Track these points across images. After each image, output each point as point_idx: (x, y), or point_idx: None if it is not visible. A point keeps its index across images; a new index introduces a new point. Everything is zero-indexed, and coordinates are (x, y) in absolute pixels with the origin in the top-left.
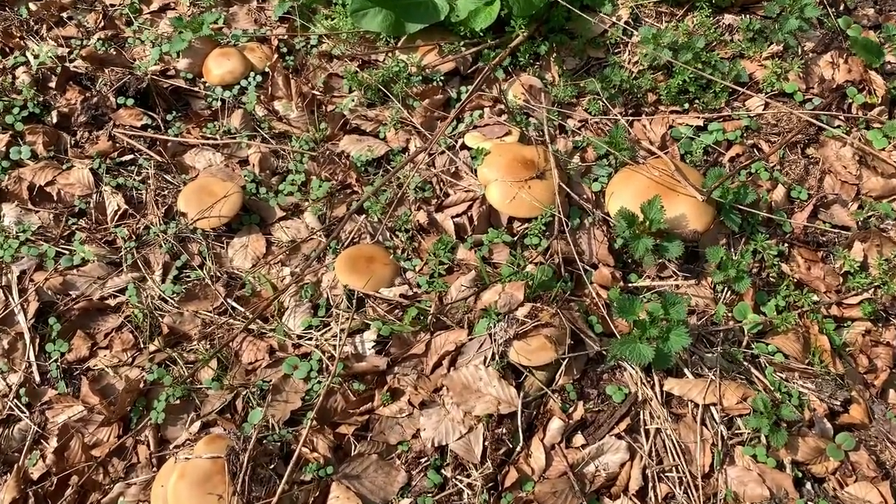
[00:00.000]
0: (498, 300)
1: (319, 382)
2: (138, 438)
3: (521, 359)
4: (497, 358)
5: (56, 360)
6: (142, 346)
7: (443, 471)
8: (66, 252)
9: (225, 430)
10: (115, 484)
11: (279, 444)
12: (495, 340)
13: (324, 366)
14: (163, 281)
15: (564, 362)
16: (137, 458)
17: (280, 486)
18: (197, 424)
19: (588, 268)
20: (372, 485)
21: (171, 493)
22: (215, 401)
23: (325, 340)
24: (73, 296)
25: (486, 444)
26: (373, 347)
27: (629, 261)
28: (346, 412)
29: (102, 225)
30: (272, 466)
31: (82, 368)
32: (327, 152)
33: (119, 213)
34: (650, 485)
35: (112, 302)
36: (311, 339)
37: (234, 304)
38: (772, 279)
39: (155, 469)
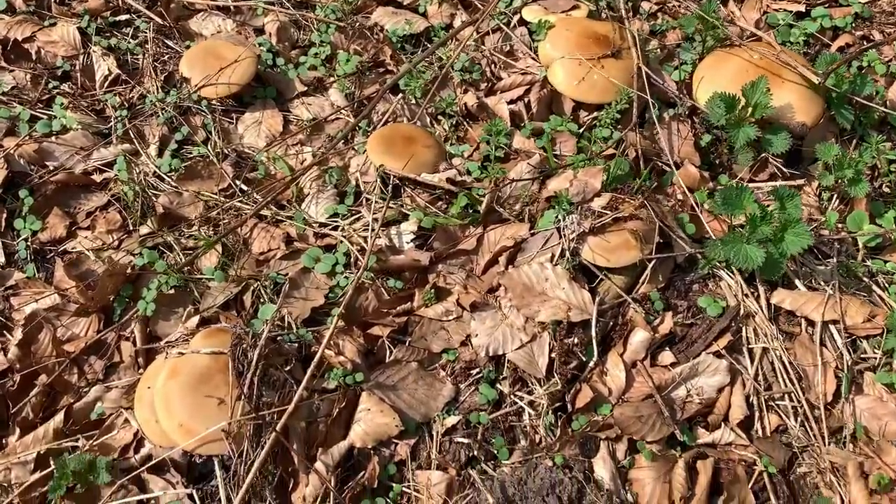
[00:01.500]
0: (569, 188)
1: (347, 278)
2: (122, 334)
3: (597, 258)
4: (568, 256)
5: (26, 240)
6: (130, 227)
7: (498, 385)
8: (44, 116)
9: (230, 323)
10: (92, 386)
11: (296, 344)
12: (565, 235)
13: (352, 260)
14: (159, 156)
15: (651, 265)
16: (120, 356)
17: (297, 391)
18: (195, 320)
19: (667, 169)
20: (411, 398)
21: (160, 395)
22: (218, 294)
23: (354, 231)
24: (51, 167)
25: (553, 355)
26: (412, 241)
27: (716, 161)
28: (380, 312)
29: (89, 91)
30: (288, 369)
31: (57, 250)
32: (357, 24)
33: (110, 78)
34: (756, 414)
35: (97, 177)
36: (336, 228)
37: (244, 187)
38: (886, 189)
39: (141, 370)
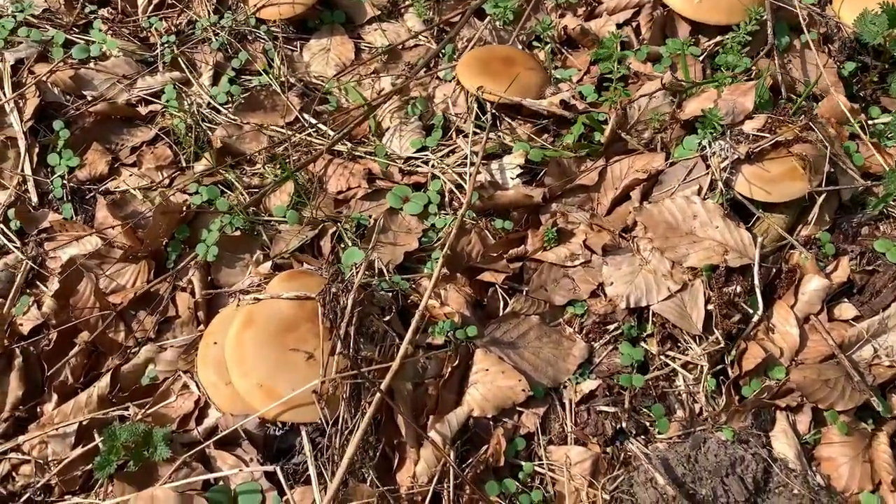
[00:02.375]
0: (713, 109)
1: (442, 218)
2: (177, 284)
3: (754, 191)
4: (720, 187)
5: (62, 177)
6: (183, 164)
7: (642, 343)
8: (81, 41)
9: (313, 267)
10: (143, 346)
11: (391, 294)
12: (714, 164)
13: (446, 199)
14: (213, 85)
15: (819, 200)
16: (175, 310)
17: (403, 345)
18: (267, 265)
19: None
20: (535, 357)
21: (232, 350)
22: (291, 237)
23: (448, 166)
24: (89, 97)
25: (710, 307)
26: (517, 176)
27: (860, 94)
28: (489, 257)
29: (131, 17)
30: (386, 320)
31: (98, 190)
32: None
33: (154, 2)
34: None
35: (143, 109)
36: (425, 163)
37: (313, 120)
38: None
39: (202, 326)
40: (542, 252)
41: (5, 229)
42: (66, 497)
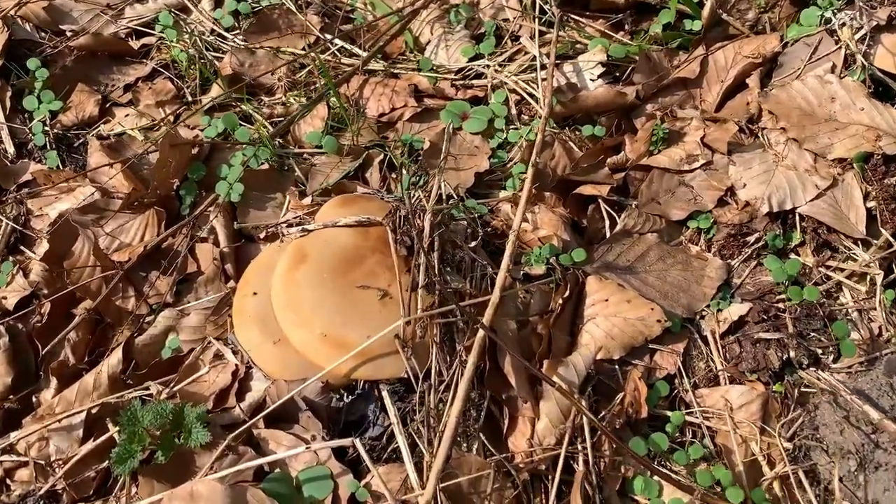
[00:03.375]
0: None
1: (514, 133)
2: (196, 234)
3: None
4: (861, 62)
5: (43, 122)
6: (189, 98)
7: (791, 255)
8: None
9: (368, 191)
10: (159, 313)
11: (464, 222)
12: (846, 36)
13: (514, 112)
14: (215, 8)
15: None
16: (197, 264)
17: (501, 273)
18: (307, 200)
19: None
20: (662, 282)
21: (283, 292)
22: (329, 169)
23: (511, 74)
24: (68, 32)
25: (871, 204)
26: (598, 77)
27: None
28: (583, 168)
29: None
30: (471, 247)
31: (87, 134)
32: None
33: None
34: None
35: (134, 43)
36: (479, 76)
37: (338, 41)
38: None
39: (232, 282)
40: (649, 157)
41: None
42: None
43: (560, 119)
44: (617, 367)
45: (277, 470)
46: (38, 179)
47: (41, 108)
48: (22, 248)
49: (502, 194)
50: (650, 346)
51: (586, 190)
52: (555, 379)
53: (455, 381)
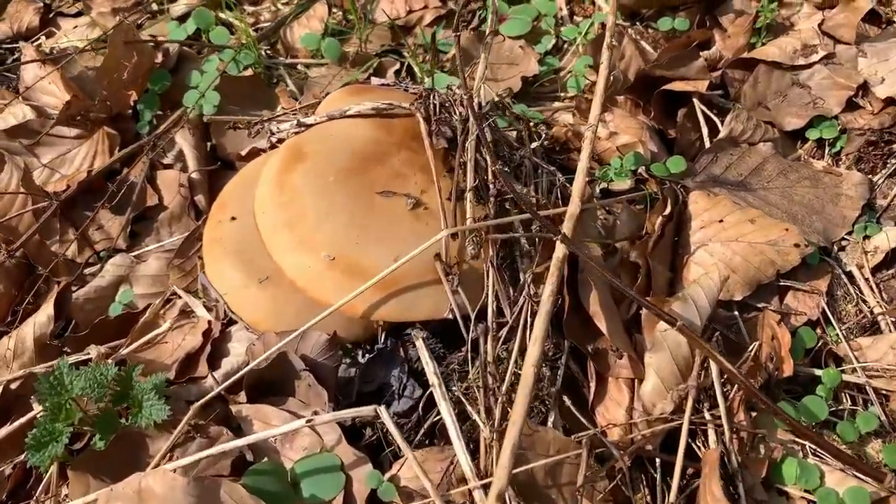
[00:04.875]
0: None
1: (567, 30)
2: (159, 160)
3: None
4: None
5: None
6: (154, 6)
7: None
8: None
9: (387, 82)
10: (107, 260)
11: (514, 132)
12: None
13: (563, 12)
14: None
15: None
16: (158, 197)
17: (579, 179)
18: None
19: None
20: (788, 202)
21: (273, 200)
22: (329, 81)
23: None
24: None
25: None
26: None
27: None
28: (667, 62)
29: None
30: (532, 147)
31: (25, 50)
32: None
33: None
34: None
35: None
36: None
37: None
38: None
39: (201, 217)
40: (751, 51)
41: None
42: None
43: (626, 15)
44: (737, 312)
45: (265, 459)
46: None
47: None
48: None
49: (557, 105)
50: (781, 282)
51: (677, 86)
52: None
53: (524, 323)
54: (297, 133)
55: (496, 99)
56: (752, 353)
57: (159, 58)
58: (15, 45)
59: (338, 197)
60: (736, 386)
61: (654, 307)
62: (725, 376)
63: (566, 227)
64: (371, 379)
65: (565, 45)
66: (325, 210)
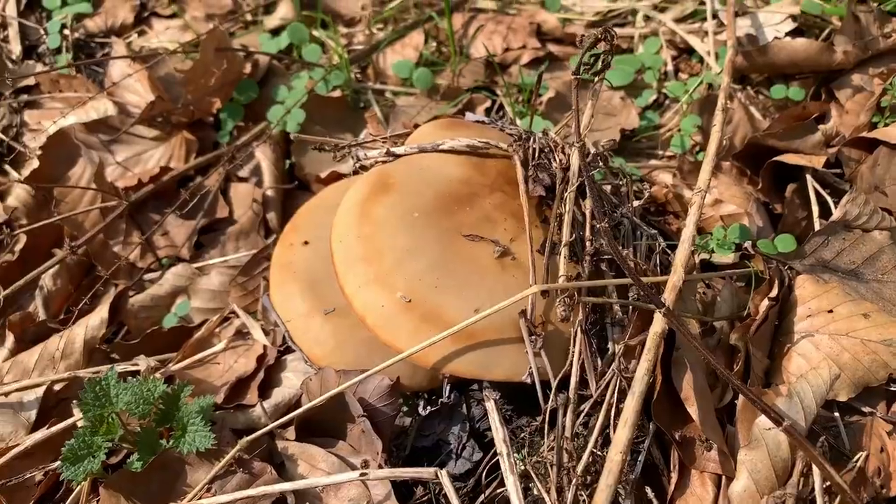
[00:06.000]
0: None
1: (672, 86)
2: (235, 172)
3: None
4: None
5: (64, 25)
6: (248, 17)
7: None
8: None
9: (483, 119)
10: (168, 268)
11: (622, 184)
12: None
13: (669, 67)
14: None
15: None
16: (229, 210)
17: (684, 248)
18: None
19: None
20: None
21: (352, 229)
22: (417, 112)
23: (662, 22)
24: None
25: None
26: (786, 35)
27: None
28: (781, 133)
29: None
30: (634, 205)
31: (112, 46)
32: None
33: None
34: None
35: None
36: (624, 25)
37: None
38: None
39: (273, 238)
40: (873, 130)
41: None
42: None
43: (736, 78)
44: (837, 413)
45: None
46: (43, 86)
47: (63, 10)
48: (6, 167)
49: (655, 163)
50: (892, 387)
51: (791, 159)
52: (760, 421)
53: (609, 399)
54: (384, 162)
55: (597, 150)
56: (856, 463)
57: (248, 68)
58: (106, 40)
59: (422, 235)
60: (839, 499)
61: (761, 402)
62: (827, 483)
63: (667, 299)
64: (428, 433)
65: (667, 102)
66: (407, 248)
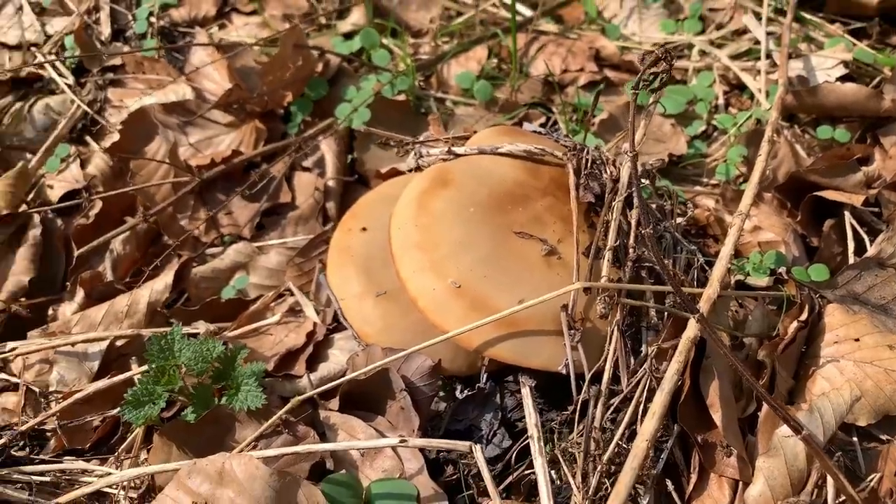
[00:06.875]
0: None
1: (722, 118)
2: (300, 161)
3: None
4: None
5: (151, 12)
6: (322, 21)
7: None
8: None
9: (540, 129)
10: (231, 244)
11: (667, 204)
12: None
13: (718, 101)
14: None
15: None
16: (292, 196)
17: (721, 264)
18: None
19: None
20: None
21: (412, 216)
22: (475, 121)
23: (717, 58)
24: None
25: None
26: (837, 79)
27: None
28: (824, 170)
29: None
30: (678, 222)
31: (195, 35)
32: None
33: None
34: None
35: None
36: (680, 57)
37: None
38: None
39: (331, 224)
40: None
41: (58, 63)
42: (63, 457)
43: (784, 116)
44: (856, 438)
45: (343, 471)
46: (128, 66)
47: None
48: (87, 138)
49: (699, 188)
50: None
51: (831, 195)
52: (783, 431)
53: (639, 397)
54: (444, 160)
55: (645, 167)
56: (870, 483)
57: (320, 67)
58: (188, 30)
59: (475, 230)
60: None
61: (783, 410)
62: (842, 498)
63: (702, 308)
64: (462, 418)
65: (715, 133)
66: (461, 240)
